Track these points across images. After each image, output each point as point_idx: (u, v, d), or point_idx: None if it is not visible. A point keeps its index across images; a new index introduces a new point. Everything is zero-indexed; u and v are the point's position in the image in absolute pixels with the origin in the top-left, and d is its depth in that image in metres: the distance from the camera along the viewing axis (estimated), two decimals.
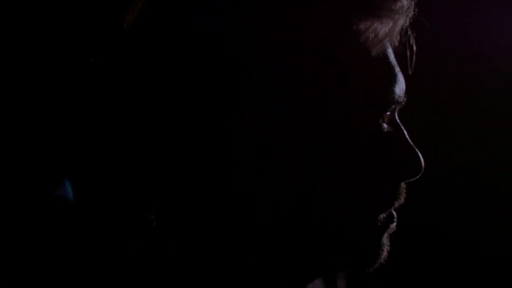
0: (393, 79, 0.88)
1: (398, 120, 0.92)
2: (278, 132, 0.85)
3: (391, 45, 0.90)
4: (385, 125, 0.89)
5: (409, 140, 0.91)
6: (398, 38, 0.90)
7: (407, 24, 0.91)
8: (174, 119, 0.85)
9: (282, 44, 0.84)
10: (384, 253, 0.94)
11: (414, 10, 0.91)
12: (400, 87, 0.89)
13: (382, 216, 0.92)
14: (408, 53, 0.93)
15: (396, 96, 0.88)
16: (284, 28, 0.84)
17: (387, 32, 0.88)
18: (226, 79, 0.84)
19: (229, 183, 0.86)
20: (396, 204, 0.92)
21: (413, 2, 0.91)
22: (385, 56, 0.88)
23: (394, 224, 0.96)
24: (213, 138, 0.84)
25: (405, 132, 0.92)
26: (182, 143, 0.85)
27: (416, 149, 0.91)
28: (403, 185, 0.92)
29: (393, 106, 0.89)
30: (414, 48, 0.92)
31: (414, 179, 0.91)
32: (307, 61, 0.85)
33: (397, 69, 0.90)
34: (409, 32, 0.92)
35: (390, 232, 0.95)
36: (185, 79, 0.84)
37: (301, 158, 0.86)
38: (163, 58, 0.85)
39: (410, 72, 0.93)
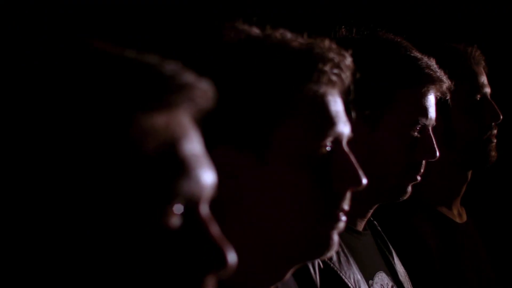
0: (179, 174, 0.86)
1: (200, 213, 0.89)
2: None
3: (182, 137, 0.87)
4: (174, 222, 0.85)
5: (210, 234, 0.88)
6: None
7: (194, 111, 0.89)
8: None
9: None
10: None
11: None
12: (193, 183, 0.86)
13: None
14: None
15: (183, 192, 0.86)
16: None
17: (167, 124, 0.85)
18: None
19: None
20: None
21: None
22: (172, 149, 0.86)
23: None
24: None
25: (206, 225, 0.88)
26: None
27: (219, 243, 0.88)
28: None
29: (183, 201, 0.86)
30: None
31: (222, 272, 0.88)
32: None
33: (193, 163, 0.87)
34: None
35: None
36: None
37: None
38: None
39: None
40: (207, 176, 0.88)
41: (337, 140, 1.34)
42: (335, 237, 1.34)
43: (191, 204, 0.87)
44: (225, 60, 1.31)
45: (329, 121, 1.33)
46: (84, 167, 0.80)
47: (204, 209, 0.89)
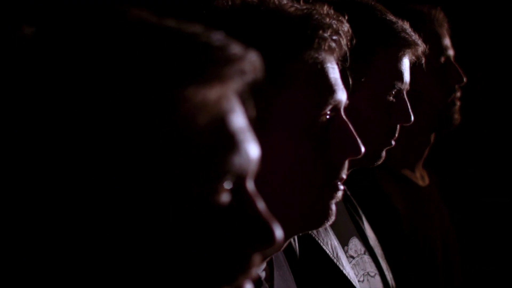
0: (230, 149, 0.84)
1: (248, 188, 0.87)
2: None
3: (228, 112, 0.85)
4: (224, 198, 0.84)
5: (258, 210, 0.86)
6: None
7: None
8: None
9: None
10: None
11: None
12: (242, 158, 0.85)
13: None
14: None
15: (234, 167, 0.84)
16: None
17: (218, 98, 0.83)
18: None
19: None
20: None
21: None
22: (222, 124, 0.84)
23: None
24: None
25: (253, 201, 0.87)
26: None
27: (267, 220, 0.86)
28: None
29: (232, 177, 0.85)
30: None
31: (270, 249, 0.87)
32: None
33: (241, 137, 0.86)
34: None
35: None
36: None
37: None
38: None
39: None
40: (254, 150, 0.86)
41: (336, 108, 1.31)
42: (333, 207, 1.32)
43: (239, 180, 0.85)
44: (220, 27, 1.27)
45: (329, 89, 1.30)
46: (136, 144, 0.77)
47: (251, 185, 0.87)
